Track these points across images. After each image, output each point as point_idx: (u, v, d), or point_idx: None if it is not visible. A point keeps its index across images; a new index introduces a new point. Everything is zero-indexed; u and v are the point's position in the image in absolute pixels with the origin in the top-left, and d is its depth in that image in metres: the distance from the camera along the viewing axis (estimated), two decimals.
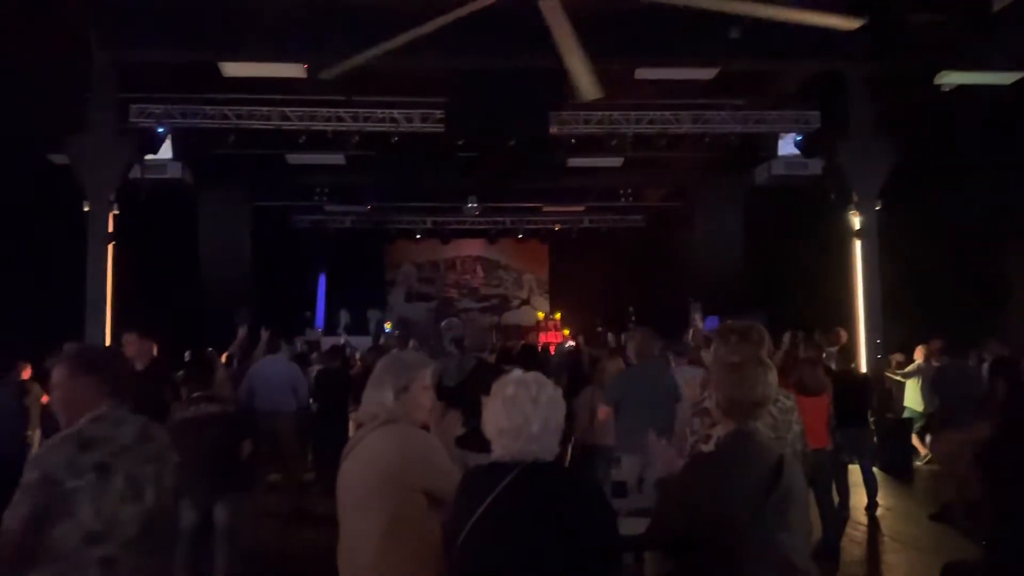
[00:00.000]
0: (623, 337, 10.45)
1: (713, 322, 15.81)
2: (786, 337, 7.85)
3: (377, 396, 2.82)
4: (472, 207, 17.52)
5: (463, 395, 5.48)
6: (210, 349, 8.65)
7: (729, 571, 2.30)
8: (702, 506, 2.35)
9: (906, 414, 10.27)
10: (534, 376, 2.42)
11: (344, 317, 18.66)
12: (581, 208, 19.99)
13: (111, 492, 2.56)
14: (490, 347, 6.95)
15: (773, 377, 2.50)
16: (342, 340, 14.32)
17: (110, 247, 10.14)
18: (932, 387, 8.94)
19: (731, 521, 2.29)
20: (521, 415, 2.29)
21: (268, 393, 8.05)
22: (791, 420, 3.46)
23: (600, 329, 15.93)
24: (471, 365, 6.48)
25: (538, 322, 20.75)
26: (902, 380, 10.47)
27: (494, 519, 2.19)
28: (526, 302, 22.93)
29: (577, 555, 2.18)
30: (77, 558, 2.49)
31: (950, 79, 10.25)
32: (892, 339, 11.14)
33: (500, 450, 2.33)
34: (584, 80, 6.26)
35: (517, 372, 2.45)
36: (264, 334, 9.22)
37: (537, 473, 2.27)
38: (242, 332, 8.99)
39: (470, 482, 2.35)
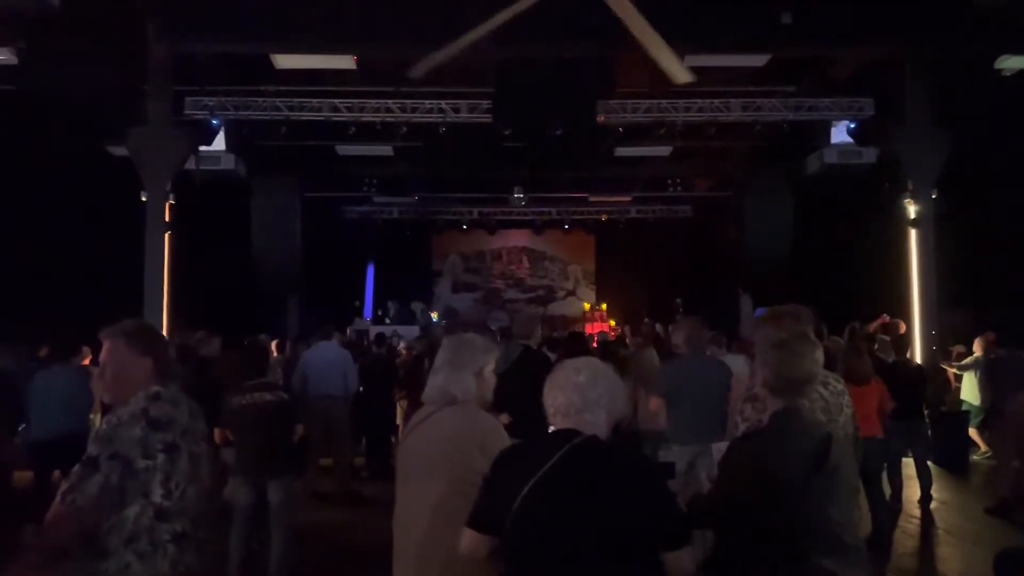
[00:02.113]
0: (669, 328, 10.36)
1: (762, 313, 15.64)
2: (852, 327, 7.81)
3: (456, 377, 2.89)
4: (519, 197, 17.55)
5: (509, 382, 5.51)
6: (262, 335, 8.85)
7: (778, 548, 2.31)
8: (751, 481, 2.35)
9: (963, 407, 10.03)
10: (595, 359, 2.56)
11: (392, 307, 18.90)
12: (628, 198, 19.85)
13: (178, 472, 2.59)
14: (537, 335, 6.97)
15: (820, 354, 2.50)
16: (390, 331, 14.52)
17: (167, 236, 10.40)
18: (985, 379, 8.73)
19: (780, 496, 2.29)
20: (579, 392, 2.39)
21: (320, 379, 8.22)
22: (842, 403, 3.45)
23: (647, 320, 15.85)
24: (517, 353, 6.51)
25: (584, 313, 20.69)
26: (959, 372, 10.24)
27: (548, 489, 2.25)
28: (572, 293, 22.88)
29: (629, 527, 2.23)
30: (151, 535, 2.53)
31: (1011, 64, 9.97)
32: (949, 331, 10.88)
33: (558, 424, 2.42)
34: (670, 63, 6.15)
35: (579, 359, 2.55)
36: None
37: (592, 447, 2.34)
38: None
39: (525, 451, 2.42)
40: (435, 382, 2.93)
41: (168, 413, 2.64)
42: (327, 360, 8.43)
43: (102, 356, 2.77)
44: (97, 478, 2.47)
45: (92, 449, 2.54)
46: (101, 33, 9.39)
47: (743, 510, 2.36)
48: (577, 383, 2.41)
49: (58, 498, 2.47)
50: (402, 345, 12.13)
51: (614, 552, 2.21)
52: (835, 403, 3.41)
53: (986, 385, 8.78)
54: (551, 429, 2.44)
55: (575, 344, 7.73)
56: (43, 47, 9.52)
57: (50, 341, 7.65)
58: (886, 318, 9.18)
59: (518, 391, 5.35)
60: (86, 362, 8.21)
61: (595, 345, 10.74)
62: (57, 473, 6.88)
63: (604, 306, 20.47)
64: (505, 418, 5.50)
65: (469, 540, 2.39)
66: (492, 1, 5.97)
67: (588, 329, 17.72)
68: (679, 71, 6.21)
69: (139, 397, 2.65)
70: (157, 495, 2.53)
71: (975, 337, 9.90)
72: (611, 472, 2.31)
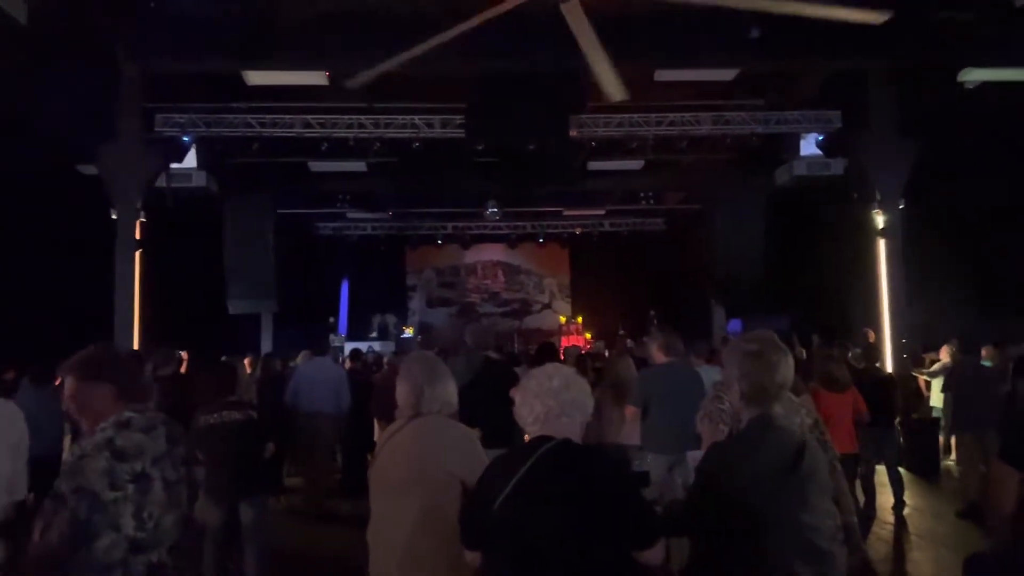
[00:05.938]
0: (644, 340, 10.38)
1: (736, 324, 15.77)
2: (815, 339, 7.86)
3: (417, 391, 2.97)
4: (493, 212, 17.57)
5: (473, 393, 5.54)
6: (225, 357, 8.75)
7: (753, 553, 2.33)
8: (725, 489, 2.39)
9: (935, 414, 10.17)
10: (557, 366, 2.62)
11: (376, 321, 18.91)
12: (602, 212, 19.99)
13: (152, 502, 2.53)
14: (494, 346, 7.05)
15: (791, 362, 2.56)
16: (367, 347, 14.44)
17: (137, 254, 10.30)
18: (944, 386, 8.85)
19: (754, 503, 2.33)
20: (552, 399, 2.46)
21: (311, 394, 8.17)
22: (799, 412, 3.43)
23: (622, 332, 15.93)
24: (479, 363, 6.54)
25: (560, 326, 20.74)
26: (929, 379, 10.38)
27: (524, 493, 2.29)
28: (547, 306, 22.93)
29: (606, 527, 2.27)
30: (125, 568, 2.47)
31: (973, 76, 10.16)
32: (918, 339, 11.04)
33: (535, 432, 2.49)
34: (608, 81, 6.30)
35: (548, 366, 2.62)
36: None
37: (567, 450, 2.39)
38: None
39: (502, 462, 2.46)
40: (399, 397, 3.04)
41: (137, 442, 2.55)
42: (320, 376, 8.37)
43: (65, 391, 2.71)
44: (65, 513, 2.41)
45: (59, 484, 2.47)
46: (70, 50, 9.30)
47: (718, 516, 2.39)
48: (551, 389, 2.48)
49: (36, 535, 2.42)
50: (386, 360, 12.08)
51: (587, 550, 2.25)
52: (790, 409, 3.41)
53: (947, 391, 8.90)
54: (527, 438, 2.50)
55: (545, 357, 7.74)
56: (10, 64, 9.42)
57: (17, 364, 7.52)
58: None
59: (482, 401, 5.38)
60: (58, 382, 8.11)
61: (562, 359, 10.73)
62: (31, 496, 6.77)
63: (580, 319, 20.54)
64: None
65: (469, 558, 2.48)
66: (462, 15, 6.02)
67: (564, 342, 17.77)
68: (616, 88, 6.41)
69: (107, 425, 2.57)
70: (129, 527, 2.47)
71: (944, 344, 10.05)
72: (583, 473, 2.35)
